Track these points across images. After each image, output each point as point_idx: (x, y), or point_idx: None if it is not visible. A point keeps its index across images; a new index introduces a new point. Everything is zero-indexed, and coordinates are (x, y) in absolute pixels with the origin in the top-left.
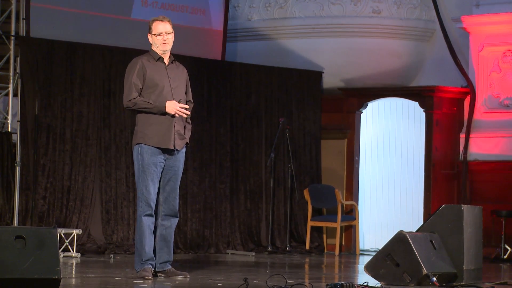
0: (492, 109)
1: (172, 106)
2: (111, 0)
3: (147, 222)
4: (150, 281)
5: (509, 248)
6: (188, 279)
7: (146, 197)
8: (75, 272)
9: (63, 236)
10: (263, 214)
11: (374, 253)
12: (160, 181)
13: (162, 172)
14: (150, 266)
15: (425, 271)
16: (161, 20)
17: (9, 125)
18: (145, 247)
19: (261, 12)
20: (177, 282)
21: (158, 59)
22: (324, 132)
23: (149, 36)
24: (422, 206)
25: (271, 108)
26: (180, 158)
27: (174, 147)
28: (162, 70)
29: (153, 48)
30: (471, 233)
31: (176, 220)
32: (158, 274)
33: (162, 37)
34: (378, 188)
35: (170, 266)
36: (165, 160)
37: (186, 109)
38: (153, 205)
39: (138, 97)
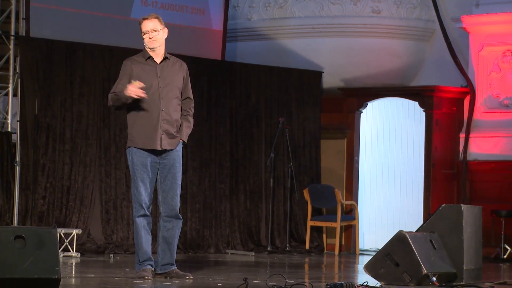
0: (492, 109)
1: (130, 88)
2: (111, 0)
3: (142, 223)
4: (150, 281)
5: (508, 248)
6: (191, 280)
7: (137, 198)
8: (75, 272)
9: (63, 236)
10: (263, 214)
11: (374, 253)
12: (156, 181)
13: (157, 171)
14: (149, 267)
15: (425, 271)
16: (147, 18)
17: (9, 125)
18: (142, 248)
19: (261, 12)
20: (177, 282)
21: (148, 59)
22: (324, 132)
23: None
24: (422, 206)
25: (271, 108)
26: (174, 156)
27: (161, 148)
28: (151, 69)
29: (145, 46)
30: (471, 233)
31: (179, 222)
32: (162, 275)
33: (148, 35)
34: (378, 188)
35: (174, 268)
36: (158, 160)
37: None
38: (145, 205)
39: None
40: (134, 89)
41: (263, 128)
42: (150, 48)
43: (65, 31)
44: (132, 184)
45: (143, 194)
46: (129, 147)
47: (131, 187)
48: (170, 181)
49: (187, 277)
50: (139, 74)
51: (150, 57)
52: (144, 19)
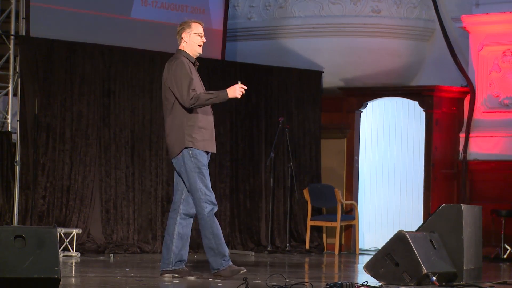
0: (491, 108)
1: (234, 90)
2: (111, 0)
3: (216, 220)
4: (176, 279)
5: (508, 247)
6: (201, 279)
7: (209, 197)
8: (74, 272)
9: (62, 235)
10: (263, 213)
11: (373, 253)
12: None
13: None
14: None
15: (424, 270)
16: (201, 24)
17: (9, 125)
18: (224, 243)
19: (261, 11)
20: (177, 281)
21: (194, 62)
22: (324, 132)
23: (187, 35)
24: (422, 206)
25: (271, 108)
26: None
27: (215, 151)
28: (196, 73)
29: (187, 47)
30: (470, 232)
31: (191, 220)
32: (173, 272)
33: (203, 39)
34: (378, 188)
35: (184, 266)
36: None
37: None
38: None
39: (197, 92)
40: (238, 89)
41: (263, 128)
42: (198, 52)
43: (65, 31)
44: (198, 183)
45: (212, 192)
46: (189, 147)
47: (193, 186)
48: None
49: (198, 276)
50: (193, 76)
51: (195, 61)
52: (198, 23)
